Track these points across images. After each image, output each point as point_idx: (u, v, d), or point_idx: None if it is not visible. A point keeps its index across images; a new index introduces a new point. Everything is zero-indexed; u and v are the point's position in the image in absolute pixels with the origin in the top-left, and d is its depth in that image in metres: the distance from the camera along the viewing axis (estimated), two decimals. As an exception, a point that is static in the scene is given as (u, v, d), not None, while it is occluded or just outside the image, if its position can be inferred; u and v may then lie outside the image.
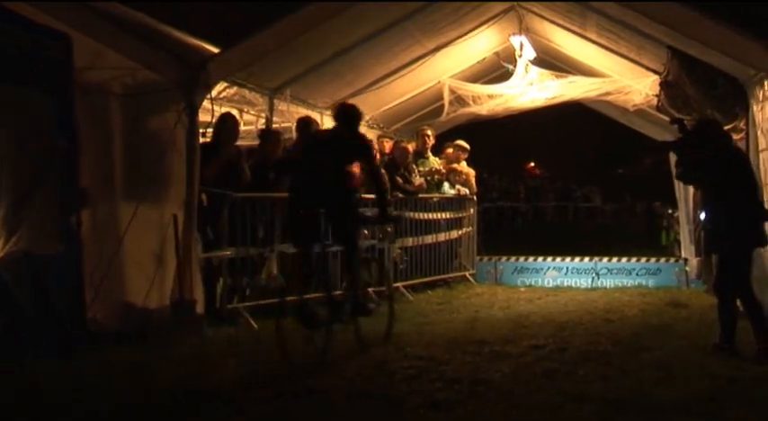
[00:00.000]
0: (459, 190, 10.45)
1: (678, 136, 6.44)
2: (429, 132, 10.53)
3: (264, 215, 7.62)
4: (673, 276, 10.12)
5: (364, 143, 6.01)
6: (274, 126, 8.79)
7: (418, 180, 9.93)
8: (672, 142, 6.57)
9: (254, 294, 7.56)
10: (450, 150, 10.89)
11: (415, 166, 10.10)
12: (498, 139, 29.09)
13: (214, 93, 7.19)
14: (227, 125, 7.43)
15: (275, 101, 8.77)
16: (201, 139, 7.15)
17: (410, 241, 9.51)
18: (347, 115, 5.94)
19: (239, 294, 7.47)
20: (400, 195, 9.41)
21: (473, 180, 10.87)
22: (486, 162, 23.02)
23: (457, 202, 10.42)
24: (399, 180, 9.58)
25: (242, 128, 8.13)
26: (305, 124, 8.69)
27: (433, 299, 9.08)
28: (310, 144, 6.24)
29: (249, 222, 7.26)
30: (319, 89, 9.32)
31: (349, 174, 6.13)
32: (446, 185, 10.48)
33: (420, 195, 9.83)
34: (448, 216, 10.25)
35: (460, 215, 10.49)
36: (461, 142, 10.96)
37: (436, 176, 10.39)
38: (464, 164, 10.88)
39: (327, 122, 9.78)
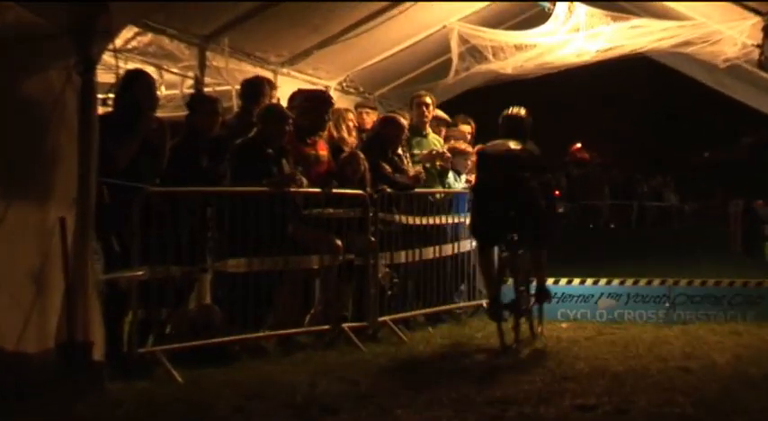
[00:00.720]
0: (469, 181, 10.44)
1: None
2: (428, 100, 10.40)
3: (194, 218, 7.64)
4: (780, 306, 10.23)
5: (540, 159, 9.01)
6: (207, 90, 8.83)
7: (414, 168, 9.90)
8: None
9: (178, 332, 7.60)
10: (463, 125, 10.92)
11: (407, 149, 10.06)
12: (529, 111, 29.11)
13: (119, 42, 7.22)
14: (140, 87, 7.43)
15: (208, 54, 8.81)
16: (101, 109, 7.16)
17: (402, 256, 9.48)
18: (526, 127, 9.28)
19: (156, 333, 7.51)
20: (388, 190, 9.27)
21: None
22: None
23: (468, 200, 10.44)
24: (387, 168, 9.47)
25: (161, 92, 8.16)
26: (253, 87, 8.65)
27: (436, 338, 9.11)
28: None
29: (172, 228, 7.29)
30: (272, 38, 9.37)
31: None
32: (451, 176, 10.49)
33: (417, 190, 9.78)
34: (456, 220, 10.29)
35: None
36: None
37: (438, 162, 10.28)
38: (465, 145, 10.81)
39: (284, 85, 9.78)
